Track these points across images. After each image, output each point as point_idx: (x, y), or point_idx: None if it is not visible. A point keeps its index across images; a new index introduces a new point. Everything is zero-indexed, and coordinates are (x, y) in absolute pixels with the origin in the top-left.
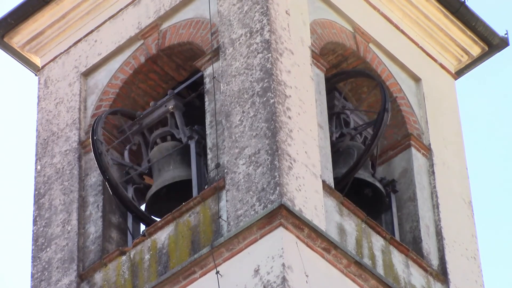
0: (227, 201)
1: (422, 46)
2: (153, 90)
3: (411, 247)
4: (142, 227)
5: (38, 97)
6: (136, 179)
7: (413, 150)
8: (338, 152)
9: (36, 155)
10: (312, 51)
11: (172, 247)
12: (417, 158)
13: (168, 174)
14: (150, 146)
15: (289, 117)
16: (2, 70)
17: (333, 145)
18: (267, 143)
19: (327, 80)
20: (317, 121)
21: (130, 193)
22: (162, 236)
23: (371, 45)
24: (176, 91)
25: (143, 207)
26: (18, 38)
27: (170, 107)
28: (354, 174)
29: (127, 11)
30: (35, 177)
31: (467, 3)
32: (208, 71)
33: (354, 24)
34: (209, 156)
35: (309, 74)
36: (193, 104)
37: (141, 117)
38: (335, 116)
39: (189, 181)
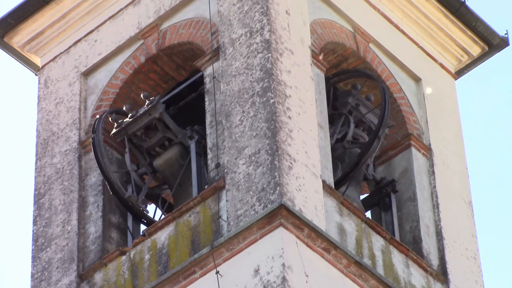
0: (227, 201)
1: (422, 46)
2: (153, 90)
3: (411, 247)
4: (142, 227)
5: (38, 97)
6: (137, 180)
7: (413, 150)
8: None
9: (36, 155)
10: (312, 51)
11: (172, 247)
12: (417, 158)
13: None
14: (146, 151)
15: (289, 117)
16: (2, 70)
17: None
18: (267, 143)
19: (327, 80)
20: (317, 121)
21: (129, 193)
22: (162, 236)
23: (371, 45)
24: (176, 91)
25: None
26: (18, 38)
27: (156, 115)
28: (354, 175)
29: (127, 11)
30: (35, 177)
31: (467, 3)
32: (208, 71)
33: (354, 24)
34: (209, 156)
35: (309, 74)
36: (193, 104)
37: (124, 127)
38: (345, 116)
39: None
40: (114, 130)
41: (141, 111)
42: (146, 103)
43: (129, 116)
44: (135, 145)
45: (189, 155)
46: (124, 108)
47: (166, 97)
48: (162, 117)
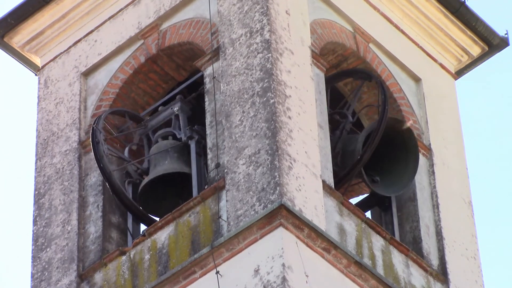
0: (227, 201)
1: (422, 46)
2: (153, 90)
3: (411, 247)
4: (142, 227)
5: (38, 97)
6: (134, 175)
7: None
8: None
9: (36, 155)
10: (312, 51)
11: (172, 247)
12: None
13: (162, 168)
14: (153, 145)
15: (289, 117)
16: (2, 70)
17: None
18: (267, 143)
19: (327, 80)
20: (317, 121)
21: (130, 192)
22: (162, 236)
23: (371, 45)
24: (176, 91)
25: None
26: (18, 38)
27: (175, 109)
28: (354, 174)
29: (127, 11)
30: (35, 177)
31: (467, 3)
32: (208, 71)
33: (354, 24)
34: (209, 156)
35: (309, 74)
36: (192, 104)
37: (148, 119)
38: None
39: (185, 177)
40: (139, 125)
41: (167, 106)
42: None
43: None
44: (148, 140)
45: (178, 143)
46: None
47: (166, 97)
48: (179, 113)
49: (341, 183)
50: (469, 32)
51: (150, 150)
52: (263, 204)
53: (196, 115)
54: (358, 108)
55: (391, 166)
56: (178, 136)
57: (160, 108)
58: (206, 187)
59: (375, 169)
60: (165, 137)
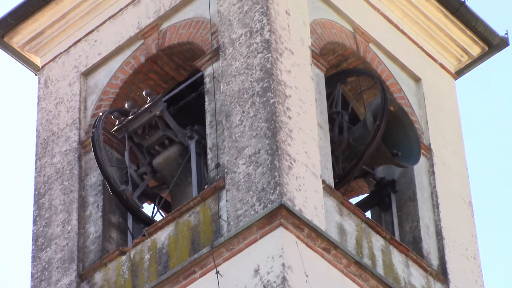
0: (227, 201)
1: (422, 46)
2: (153, 90)
3: (411, 247)
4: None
5: (38, 97)
6: (137, 179)
7: None
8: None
9: (36, 155)
10: (312, 51)
11: (172, 247)
12: None
13: (190, 190)
14: (146, 150)
15: (289, 117)
16: (2, 70)
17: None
18: (267, 143)
19: (328, 79)
20: (317, 121)
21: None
22: (162, 236)
23: (371, 45)
24: (176, 91)
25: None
26: (18, 38)
27: (157, 113)
28: (356, 173)
29: (127, 11)
30: (35, 177)
31: (467, 3)
32: (208, 71)
33: (354, 24)
34: (209, 156)
35: (309, 74)
36: (192, 104)
37: (124, 124)
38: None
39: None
40: (115, 127)
41: (143, 108)
42: (148, 101)
43: (130, 113)
44: (135, 143)
45: (188, 154)
46: (126, 106)
47: (166, 97)
48: (163, 115)
49: (353, 170)
50: (469, 32)
51: (154, 162)
52: (263, 204)
53: (191, 113)
54: (351, 98)
55: (399, 142)
56: (176, 139)
57: (127, 105)
58: (206, 187)
59: (389, 145)
60: (161, 144)
